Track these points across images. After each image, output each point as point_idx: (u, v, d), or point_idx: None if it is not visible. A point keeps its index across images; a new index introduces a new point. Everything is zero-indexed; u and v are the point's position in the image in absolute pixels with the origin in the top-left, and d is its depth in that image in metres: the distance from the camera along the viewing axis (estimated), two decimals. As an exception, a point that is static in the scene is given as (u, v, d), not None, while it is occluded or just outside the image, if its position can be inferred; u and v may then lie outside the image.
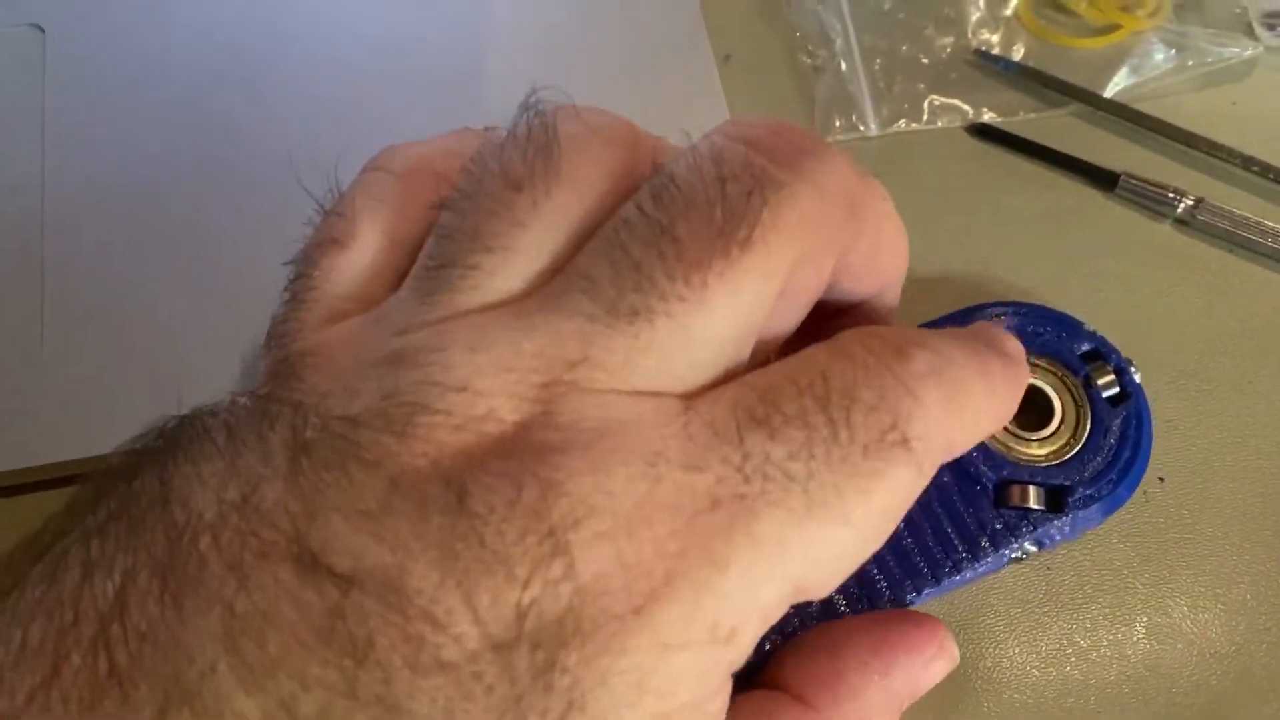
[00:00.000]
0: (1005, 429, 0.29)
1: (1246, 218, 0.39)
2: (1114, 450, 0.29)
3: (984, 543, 0.27)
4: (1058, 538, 0.28)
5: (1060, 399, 0.30)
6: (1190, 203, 0.39)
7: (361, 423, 0.16)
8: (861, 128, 0.41)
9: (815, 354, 0.18)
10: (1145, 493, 0.35)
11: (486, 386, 0.16)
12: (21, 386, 0.34)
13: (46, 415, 0.33)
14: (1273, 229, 0.39)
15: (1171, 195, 0.39)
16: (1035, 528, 0.28)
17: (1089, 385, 0.30)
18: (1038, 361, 0.30)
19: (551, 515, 0.15)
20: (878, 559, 0.25)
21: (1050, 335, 0.31)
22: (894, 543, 0.27)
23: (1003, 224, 0.39)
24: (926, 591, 0.27)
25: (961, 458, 0.23)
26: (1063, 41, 0.43)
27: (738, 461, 0.16)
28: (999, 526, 0.28)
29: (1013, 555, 0.28)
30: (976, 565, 0.27)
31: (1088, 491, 0.29)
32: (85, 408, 0.33)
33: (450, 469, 0.16)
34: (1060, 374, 0.30)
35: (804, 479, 0.16)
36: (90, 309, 0.35)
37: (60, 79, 0.38)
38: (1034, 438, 0.29)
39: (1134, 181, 0.39)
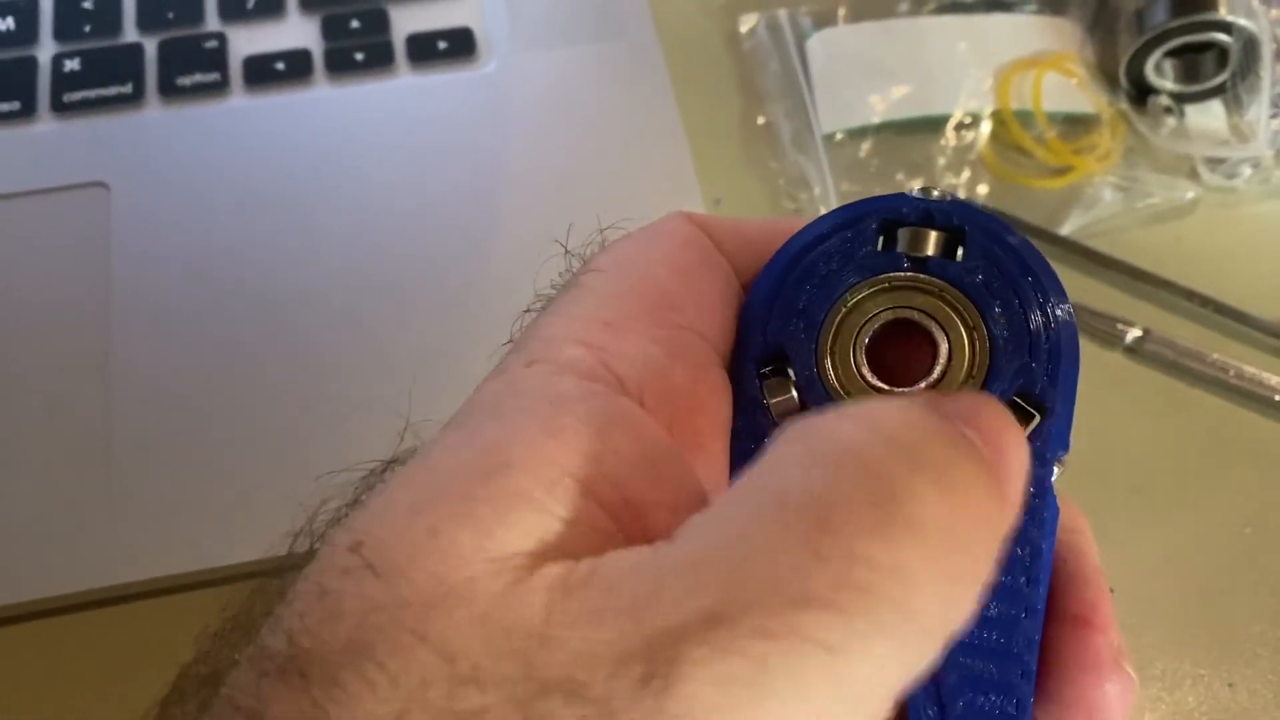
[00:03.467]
0: (873, 386, 0.23)
1: (1189, 347, 0.43)
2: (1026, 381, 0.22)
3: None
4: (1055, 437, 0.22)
5: (949, 334, 0.23)
6: (1138, 333, 0.43)
7: None
8: (839, 265, 0.45)
9: None
10: (1096, 603, 0.39)
11: None
12: (89, 510, 0.38)
13: (114, 537, 0.37)
14: (1213, 358, 0.43)
15: (1120, 327, 0.43)
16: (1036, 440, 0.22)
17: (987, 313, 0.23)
18: (924, 284, 0.23)
19: None
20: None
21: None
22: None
23: (967, 353, 0.43)
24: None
25: None
26: (1023, 182, 0.47)
27: None
28: None
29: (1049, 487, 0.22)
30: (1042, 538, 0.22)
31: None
32: (151, 530, 0.38)
33: None
34: (952, 297, 0.23)
35: None
36: (155, 436, 0.39)
37: (124, 229, 0.43)
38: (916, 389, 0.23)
39: (1086, 313, 0.44)
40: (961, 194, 0.46)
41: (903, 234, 0.23)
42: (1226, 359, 0.43)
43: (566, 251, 0.26)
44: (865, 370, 0.23)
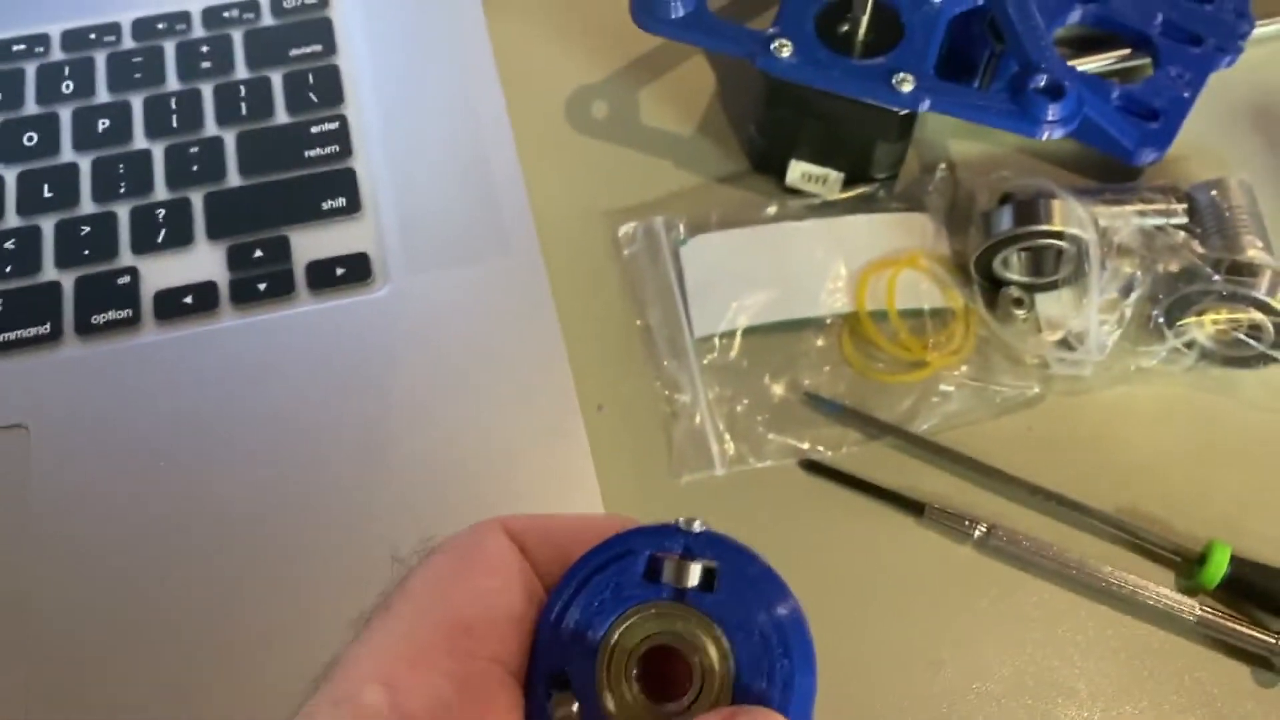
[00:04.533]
0: (644, 705, 0.26)
1: (1032, 541, 0.46)
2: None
3: None
4: None
5: (706, 657, 0.26)
6: (983, 530, 0.46)
7: None
8: (710, 469, 0.48)
9: None
10: (941, 801, 0.42)
11: None
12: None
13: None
14: (1054, 550, 0.46)
15: (968, 523, 0.46)
16: None
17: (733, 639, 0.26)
18: (683, 612, 0.27)
19: None
20: None
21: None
22: None
23: (827, 552, 0.47)
24: None
25: None
26: (881, 378, 0.50)
27: None
28: None
29: None
30: None
31: None
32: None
33: None
34: (709, 623, 0.26)
35: None
36: (73, 680, 0.43)
37: (44, 469, 0.46)
38: (680, 707, 0.26)
39: (938, 510, 0.47)
40: (824, 390, 0.50)
41: (667, 566, 0.27)
42: (1067, 551, 0.46)
43: (395, 560, 0.30)
44: (634, 692, 0.26)
